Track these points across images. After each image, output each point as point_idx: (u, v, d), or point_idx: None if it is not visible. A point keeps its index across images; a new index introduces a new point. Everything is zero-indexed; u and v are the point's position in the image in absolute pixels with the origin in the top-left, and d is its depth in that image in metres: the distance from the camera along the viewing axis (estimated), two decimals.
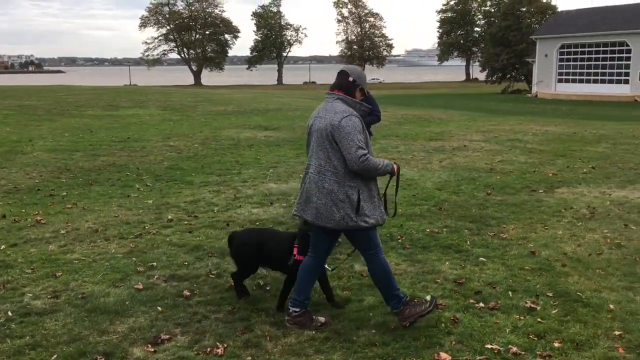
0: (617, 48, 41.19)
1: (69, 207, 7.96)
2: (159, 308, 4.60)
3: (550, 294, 4.89)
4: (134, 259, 5.78)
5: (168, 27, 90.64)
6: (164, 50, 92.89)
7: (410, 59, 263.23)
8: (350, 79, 4.32)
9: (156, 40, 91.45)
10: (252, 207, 8.06)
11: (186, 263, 5.67)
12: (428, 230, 6.86)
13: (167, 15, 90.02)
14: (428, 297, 4.41)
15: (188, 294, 4.88)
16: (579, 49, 43.77)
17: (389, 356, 3.89)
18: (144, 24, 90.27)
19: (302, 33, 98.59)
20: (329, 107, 4.25)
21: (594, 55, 42.90)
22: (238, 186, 9.48)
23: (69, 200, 8.38)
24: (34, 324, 4.35)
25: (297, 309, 4.31)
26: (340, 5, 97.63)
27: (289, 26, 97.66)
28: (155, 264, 5.63)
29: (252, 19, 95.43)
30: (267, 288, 5.03)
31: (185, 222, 7.19)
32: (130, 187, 9.35)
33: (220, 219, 7.39)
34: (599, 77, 42.77)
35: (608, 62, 42.07)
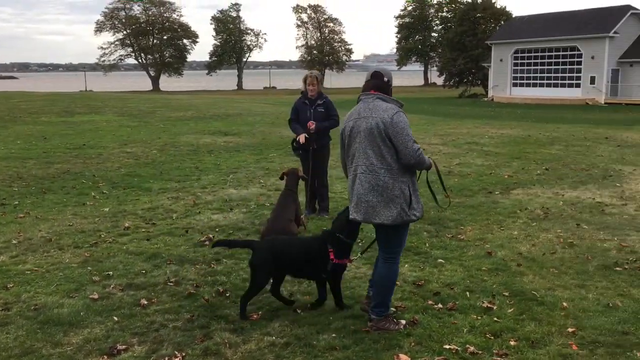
0: (568, 53, 42.47)
1: (22, 216, 7.73)
2: (115, 318, 4.50)
3: (506, 294, 4.99)
4: (89, 268, 5.65)
5: (124, 32, 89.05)
6: (121, 55, 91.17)
7: (369, 64, 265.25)
8: (385, 79, 4.48)
9: (112, 45, 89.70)
10: (211, 213, 7.98)
11: (143, 271, 5.56)
12: None
13: (124, 20, 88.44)
14: (403, 321, 4.42)
15: (145, 302, 4.79)
16: (533, 54, 44.97)
17: (349, 359, 3.90)
18: (99, 28, 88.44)
19: (262, 38, 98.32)
20: (371, 106, 4.31)
21: (546, 60, 44.15)
22: (197, 192, 9.37)
23: (21, 209, 8.14)
24: None
25: (377, 317, 4.32)
26: (300, 11, 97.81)
27: (248, 31, 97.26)
28: (111, 273, 5.51)
29: (211, 24, 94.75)
30: (227, 295, 4.98)
31: (143, 230, 7.06)
32: (85, 195, 9.14)
33: (179, 225, 7.29)
34: (552, 81, 44.02)
35: (560, 67, 43.34)
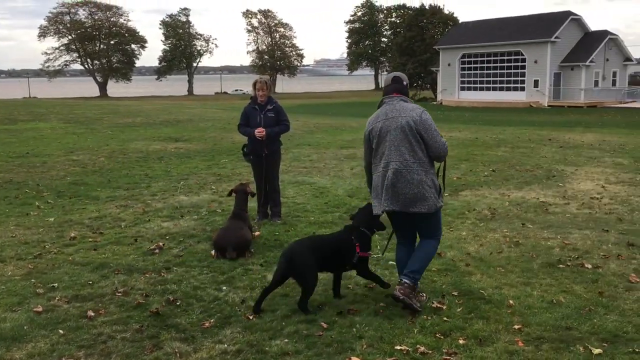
0: (513, 57, 43.78)
1: None
2: (61, 331, 4.36)
3: (456, 293, 5.09)
4: (33, 280, 5.46)
5: (70, 37, 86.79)
6: (66, 61, 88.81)
7: (320, 69, 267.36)
8: (405, 83, 4.94)
9: (57, 50, 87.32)
10: (161, 220, 7.85)
11: (90, 282, 5.42)
12: None
13: (69, 25, 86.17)
14: (424, 295, 4.93)
15: (92, 314, 4.66)
16: (479, 58, 46.15)
17: None
18: (43, 33, 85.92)
19: (212, 43, 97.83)
20: (398, 107, 4.73)
21: (492, 64, 45.38)
22: (147, 200, 9.20)
23: None
24: None
25: (409, 282, 4.69)
26: (250, 16, 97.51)
27: (198, 36, 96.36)
28: (56, 284, 5.34)
29: (160, 28, 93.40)
30: (178, 303, 4.90)
31: (90, 240, 6.88)
32: (29, 204, 8.85)
33: (128, 234, 7.13)
34: (498, 85, 45.28)
35: (505, 71, 44.64)
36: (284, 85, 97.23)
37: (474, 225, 7.50)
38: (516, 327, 4.40)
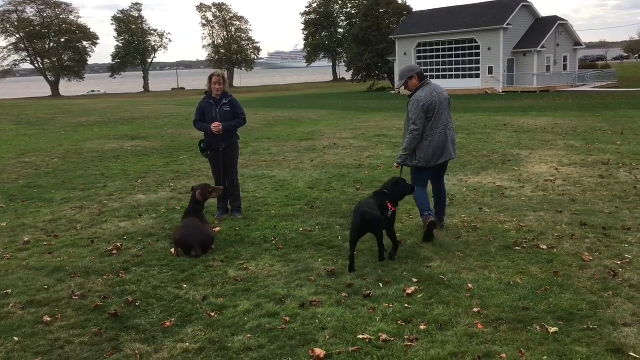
0: (467, 45, 44.40)
1: None
2: (16, 338, 4.24)
3: (416, 280, 5.15)
4: None
5: (18, 36, 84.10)
6: (15, 60, 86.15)
7: (274, 62, 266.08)
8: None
9: (5, 50, 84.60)
10: (119, 220, 7.70)
11: (46, 287, 5.27)
12: (301, 229, 6.95)
13: (16, 23, 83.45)
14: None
15: (49, 319, 4.54)
16: (434, 47, 46.63)
17: (265, 359, 3.88)
18: None
19: (166, 38, 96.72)
20: (435, 87, 6.50)
21: (447, 53, 45.92)
22: (104, 200, 9.01)
23: None
24: None
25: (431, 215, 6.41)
26: (204, 10, 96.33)
27: (152, 31, 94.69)
28: (10, 291, 5.18)
29: (112, 24, 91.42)
30: (137, 304, 4.82)
31: (45, 243, 6.70)
32: None
33: (84, 236, 6.97)
34: (454, 73, 45.86)
35: (460, 59, 45.24)
36: (241, 79, 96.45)
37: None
38: (475, 310, 4.48)
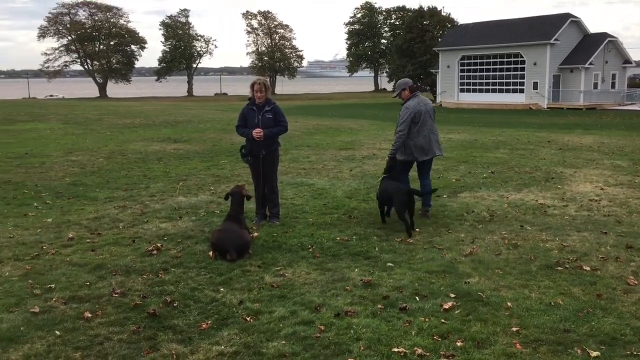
0: (512, 59, 43.80)
1: None
2: (57, 332, 4.35)
3: (453, 295, 5.08)
4: (30, 281, 5.45)
5: (69, 38, 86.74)
6: (66, 61, 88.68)
7: (313, 70, 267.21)
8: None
9: (57, 51, 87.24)
10: (160, 221, 7.84)
11: (87, 283, 5.40)
12: (338, 238, 6.94)
13: (68, 25, 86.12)
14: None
15: (89, 315, 4.65)
16: (478, 60, 46.15)
17: None
18: (42, 34, 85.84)
19: (212, 44, 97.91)
20: (422, 99, 7.99)
21: (492, 66, 45.39)
22: (145, 201, 9.19)
23: None
24: None
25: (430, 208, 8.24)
26: (250, 17, 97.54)
27: (198, 37, 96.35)
28: (53, 285, 5.33)
29: (160, 29, 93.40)
30: (175, 304, 4.89)
31: (88, 240, 6.87)
32: (27, 205, 8.84)
33: (126, 235, 7.12)
34: (497, 87, 45.29)
35: (505, 73, 44.65)
36: (283, 86, 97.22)
37: (473, 227, 7.49)
38: (514, 329, 4.39)
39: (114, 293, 5.14)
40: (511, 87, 44.18)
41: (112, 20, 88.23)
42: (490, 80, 45.53)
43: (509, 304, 4.88)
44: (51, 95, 78.87)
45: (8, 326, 4.45)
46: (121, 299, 5.04)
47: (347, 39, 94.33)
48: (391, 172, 7.85)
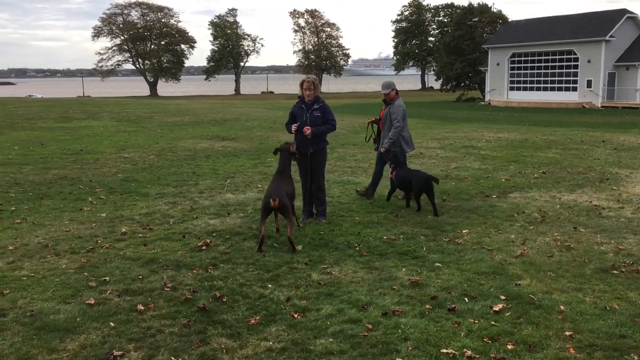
0: (565, 57, 42.62)
1: (18, 222, 7.70)
2: (112, 324, 4.48)
3: (504, 297, 4.98)
4: (85, 274, 5.63)
5: (122, 38, 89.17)
6: (118, 60, 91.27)
7: (357, 69, 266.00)
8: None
9: (110, 50, 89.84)
10: (209, 218, 7.97)
11: (140, 276, 5.55)
12: (385, 237, 6.91)
13: (121, 25, 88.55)
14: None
15: (142, 308, 4.77)
16: (529, 58, 45.10)
17: None
18: (97, 34, 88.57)
19: (259, 43, 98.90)
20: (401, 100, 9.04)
21: (543, 64, 44.28)
22: (195, 197, 9.36)
23: (18, 215, 8.12)
24: None
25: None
26: (297, 16, 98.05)
27: (246, 36, 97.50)
28: (107, 278, 5.49)
29: (209, 29, 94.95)
30: (224, 300, 4.96)
31: (140, 235, 7.05)
32: (82, 200, 9.13)
33: (176, 230, 7.27)
34: (549, 85, 44.14)
35: (557, 70, 43.48)
36: (329, 85, 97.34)
37: (523, 228, 7.33)
38: (567, 333, 4.27)
39: (165, 287, 5.26)
40: (563, 85, 42.99)
41: (163, 20, 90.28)
42: (542, 78, 44.41)
43: (562, 307, 4.75)
44: (30, 95, 76.68)
45: (65, 317, 4.61)
46: (172, 292, 5.15)
47: (394, 37, 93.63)
48: (397, 163, 8.63)
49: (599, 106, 39.77)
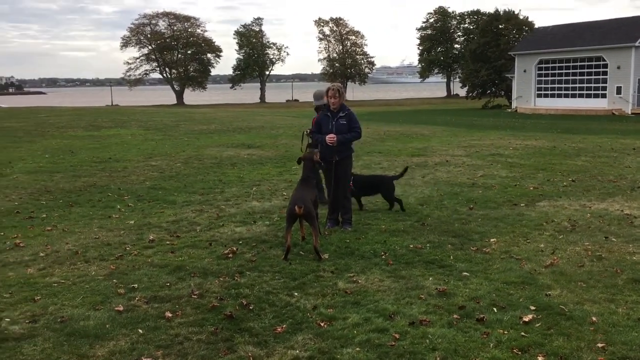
0: (594, 63, 41.98)
1: (49, 229, 7.85)
2: (140, 330, 4.53)
3: (533, 308, 4.90)
4: (114, 280, 5.70)
5: (150, 47, 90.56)
6: (146, 70, 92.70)
7: (379, 76, 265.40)
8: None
9: (138, 60, 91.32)
10: (235, 225, 8.01)
11: (168, 284, 5.60)
12: (411, 245, 6.86)
13: (149, 35, 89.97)
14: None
15: (170, 315, 4.81)
16: (557, 64, 44.54)
17: None
18: (125, 44, 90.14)
19: (284, 51, 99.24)
20: None
21: (571, 70, 43.67)
22: (221, 205, 9.42)
23: (48, 222, 8.27)
24: (12, 349, 4.26)
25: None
26: (322, 24, 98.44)
27: (271, 45, 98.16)
28: (136, 285, 5.55)
29: (235, 38, 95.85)
30: (251, 307, 4.98)
31: (167, 242, 7.12)
32: (111, 207, 9.26)
33: (203, 238, 7.32)
34: (577, 92, 43.50)
35: (585, 77, 42.83)
36: (354, 92, 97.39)
37: (553, 238, 7.21)
38: (599, 345, 4.18)
39: (192, 294, 5.29)
40: (592, 92, 42.33)
41: (189, 30, 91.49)
42: (570, 85, 43.78)
43: (593, 318, 4.66)
44: None
45: (94, 323, 4.67)
46: (199, 300, 5.18)
47: (419, 45, 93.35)
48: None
49: (629, 113, 39.03)
